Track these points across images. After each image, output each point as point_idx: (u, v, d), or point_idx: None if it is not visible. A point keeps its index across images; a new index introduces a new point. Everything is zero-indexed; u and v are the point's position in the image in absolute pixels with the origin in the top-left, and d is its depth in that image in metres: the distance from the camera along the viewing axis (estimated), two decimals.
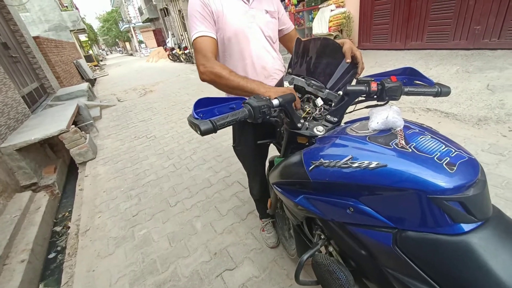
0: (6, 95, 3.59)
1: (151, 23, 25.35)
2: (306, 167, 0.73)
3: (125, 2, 30.52)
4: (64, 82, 7.69)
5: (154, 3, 18.09)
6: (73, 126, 3.45)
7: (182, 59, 13.24)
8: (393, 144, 0.61)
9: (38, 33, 12.68)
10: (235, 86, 0.93)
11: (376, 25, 4.79)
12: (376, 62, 4.60)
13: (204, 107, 0.77)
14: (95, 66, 18.00)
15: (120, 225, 2.11)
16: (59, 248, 2.33)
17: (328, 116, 0.90)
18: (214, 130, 0.67)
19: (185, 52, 12.54)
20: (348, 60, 0.98)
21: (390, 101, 0.84)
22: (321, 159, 0.69)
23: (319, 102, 1.02)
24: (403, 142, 0.61)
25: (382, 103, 0.87)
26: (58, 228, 2.62)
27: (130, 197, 2.48)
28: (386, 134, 0.65)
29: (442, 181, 0.51)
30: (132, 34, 32.31)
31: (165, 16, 18.32)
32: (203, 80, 0.99)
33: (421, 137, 0.62)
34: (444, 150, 0.58)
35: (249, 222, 1.88)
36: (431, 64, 3.84)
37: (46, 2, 14.57)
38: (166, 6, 16.58)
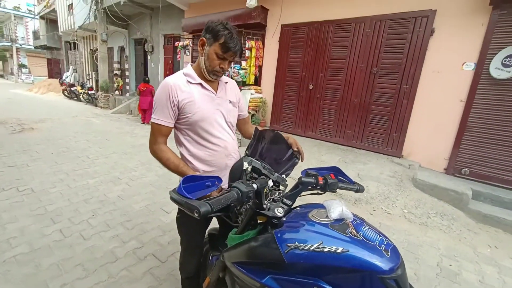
0: None
1: (46, 51, 21.86)
2: (281, 249, 0.81)
3: (14, 19, 25.74)
4: None
5: (60, 34, 16.17)
6: None
7: (82, 98, 11.62)
8: (348, 232, 0.80)
9: None
10: (172, 170, 1.17)
11: (284, 113, 5.97)
12: None
13: (187, 182, 0.80)
14: None
15: None
16: None
17: (285, 199, 1.07)
18: (211, 212, 0.69)
19: (89, 92, 11.18)
20: (295, 149, 1.27)
21: (331, 193, 1.10)
22: (296, 243, 0.79)
23: (270, 183, 1.20)
24: (354, 231, 0.81)
25: (322, 192, 1.13)
26: None
27: None
28: (340, 223, 0.85)
29: (385, 264, 0.72)
30: (12, 54, 26.38)
31: (70, 49, 16.44)
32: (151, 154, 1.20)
33: (363, 227, 0.84)
34: (379, 238, 0.81)
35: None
36: (322, 151, 4.97)
37: None
38: (75, 41, 15.08)
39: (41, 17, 18.45)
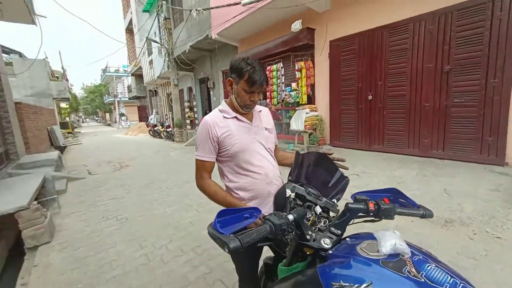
0: None
1: (137, 100, 27.01)
2: None
3: (115, 80, 33.03)
4: (31, 148, 7.26)
5: (145, 85, 19.84)
6: (35, 202, 3.10)
7: (163, 136, 13.66)
8: (406, 271, 0.68)
9: (18, 97, 12.69)
10: (220, 203, 1.21)
11: (344, 129, 5.65)
12: (346, 159, 5.16)
13: (222, 216, 0.83)
14: (68, 133, 17.61)
15: None
16: None
17: (332, 229, 0.99)
18: (241, 247, 0.71)
19: (167, 130, 13.09)
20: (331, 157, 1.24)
21: (388, 221, 0.97)
22: (341, 281, 0.72)
23: (318, 209, 1.14)
24: (414, 270, 0.69)
25: (377, 219, 1.00)
26: None
27: None
28: (395, 259, 0.73)
29: None
30: (115, 107, 33.60)
31: (153, 96, 19.86)
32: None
33: (427, 265, 0.71)
34: (451, 281, 0.66)
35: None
36: (394, 166, 4.42)
37: (37, 71, 15.12)
38: (155, 89, 18.21)
39: (132, 74, 23.17)
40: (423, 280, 0.66)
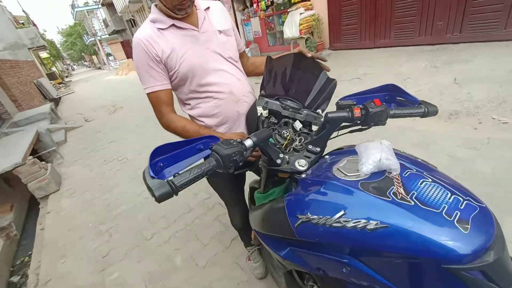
0: None
1: (118, 35, 24.44)
2: (291, 222, 0.59)
3: (88, 15, 29.21)
4: (23, 105, 7.07)
5: (119, 15, 17.45)
6: (31, 157, 3.09)
7: None
8: (391, 194, 0.49)
9: None
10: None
11: (345, 25, 4.85)
12: (348, 62, 4.64)
13: (164, 154, 0.62)
14: (59, 83, 16.90)
15: (88, 269, 1.86)
16: None
17: (310, 146, 0.79)
18: (173, 193, 0.53)
19: None
20: (308, 55, 0.95)
21: (386, 128, 0.74)
22: (308, 213, 0.55)
23: (298, 125, 0.94)
24: (402, 190, 0.49)
25: (365, 127, 0.78)
26: (15, 279, 2.29)
27: (100, 233, 2.22)
28: (380, 178, 0.53)
29: (457, 247, 0.40)
30: (98, 47, 30.90)
31: (133, 26, 17.72)
32: None
33: (421, 181, 0.50)
34: (451, 199, 0.46)
35: (234, 250, 1.72)
36: (401, 60, 3.91)
37: None
38: (132, 17, 16.04)
39: (102, 4, 20.15)
40: (413, 203, 0.46)
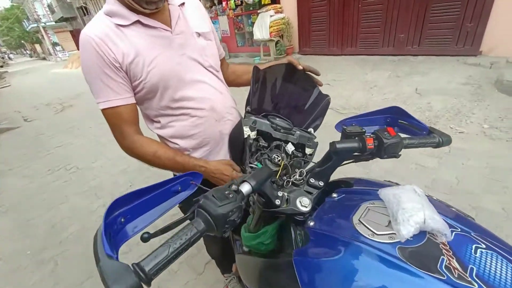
0: None
1: (67, 23, 21.91)
2: None
3: None
4: None
5: (68, 0, 15.64)
6: None
7: None
8: (443, 268, 0.37)
9: None
10: (168, 167, 0.81)
11: (314, 31, 4.93)
12: (317, 67, 4.70)
13: (126, 205, 0.46)
14: None
15: None
16: None
17: (312, 180, 0.66)
18: (145, 284, 0.34)
19: None
20: (300, 68, 0.84)
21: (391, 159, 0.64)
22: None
23: (290, 148, 0.81)
24: (456, 264, 0.38)
25: (371, 157, 0.68)
26: None
27: (42, 262, 1.84)
28: (421, 242, 0.42)
29: None
30: (43, 35, 27.32)
31: (85, 15, 16.01)
32: None
33: (474, 248, 0.40)
34: None
35: (208, 276, 1.54)
36: (366, 69, 4.09)
37: None
38: (84, 4, 14.49)
39: None
40: (476, 285, 0.35)
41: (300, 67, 0.83)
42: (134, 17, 0.69)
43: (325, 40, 4.82)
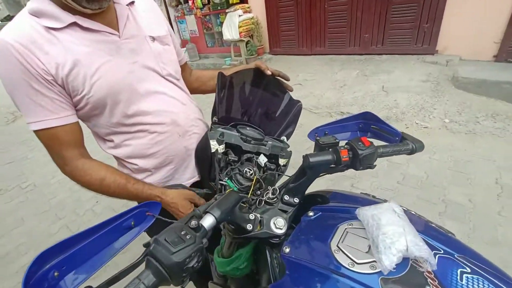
0: None
1: None
2: None
3: None
4: None
5: None
6: None
7: None
8: None
9: None
10: (120, 195, 0.71)
11: (283, 31, 4.96)
12: (289, 67, 4.75)
13: (62, 253, 0.39)
14: None
15: None
16: None
17: (286, 197, 0.63)
18: None
19: None
20: (268, 72, 0.79)
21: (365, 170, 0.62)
22: None
23: (263, 160, 0.77)
24: None
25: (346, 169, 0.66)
26: None
27: None
28: (404, 271, 0.39)
29: None
30: None
31: None
32: None
33: (459, 272, 0.38)
34: None
35: None
36: (335, 68, 4.20)
37: None
38: None
39: None
40: None
41: (269, 72, 0.79)
42: (70, 18, 0.58)
43: (295, 40, 4.88)
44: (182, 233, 0.38)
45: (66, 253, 0.38)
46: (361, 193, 0.69)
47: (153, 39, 0.72)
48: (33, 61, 0.55)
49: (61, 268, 0.37)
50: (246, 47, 5.08)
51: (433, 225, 0.52)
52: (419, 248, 0.39)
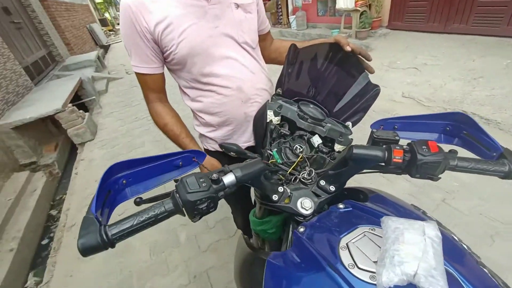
0: (5, 66, 3.44)
1: None
2: None
3: None
4: (75, 49, 7.48)
5: None
6: (70, 105, 3.29)
7: None
8: None
9: None
10: (175, 142, 0.87)
11: (412, 1, 4.08)
12: (406, 47, 3.99)
13: (127, 169, 0.51)
14: (110, 31, 17.56)
15: None
16: (52, 235, 2.30)
17: (322, 182, 0.63)
18: (104, 247, 0.39)
19: None
20: (348, 49, 0.72)
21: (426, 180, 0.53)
22: None
23: (317, 140, 0.74)
24: None
25: (400, 172, 0.57)
26: (54, 212, 2.59)
27: None
28: None
29: None
30: None
31: None
32: None
33: None
34: None
35: (236, 240, 1.70)
36: (475, 54, 3.24)
37: None
38: None
39: None
40: None
41: (349, 48, 0.72)
42: None
43: (425, 13, 3.95)
44: (201, 180, 0.44)
45: (133, 169, 0.52)
46: (411, 204, 0.62)
47: (237, 6, 0.77)
48: (140, 20, 0.69)
49: (128, 179, 0.51)
50: (360, 18, 4.51)
51: (485, 270, 0.43)
52: (431, 281, 0.33)
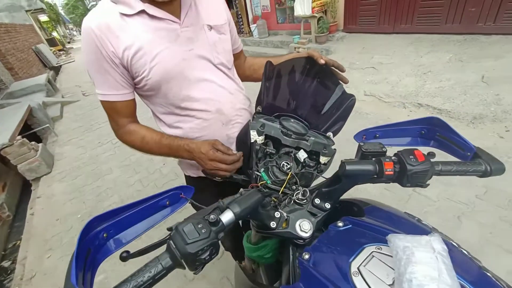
0: None
1: None
2: None
3: None
4: (20, 74, 6.81)
5: None
6: (20, 137, 2.94)
7: None
8: None
9: None
10: (156, 152, 0.78)
11: (363, 5, 4.38)
12: (363, 48, 4.26)
13: (108, 221, 0.46)
14: (59, 50, 16.34)
15: None
16: None
17: (317, 200, 0.60)
18: None
19: None
20: (322, 62, 0.73)
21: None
22: None
23: (302, 155, 0.73)
24: None
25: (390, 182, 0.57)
26: (6, 264, 2.25)
27: None
28: None
29: None
30: None
31: None
32: None
33: None
34: None
35: (224, 262, 1.61)
36: (422, 50, 3.55)
37: None
38: None
39: None
40: None
41: (322, 61, 0.73)
42: (140, 5, 0.64)
43: (375, 16, 4.27)
44: (199, 226, 0.40)
45: (113, 220, 0.46)
46: (405, 212, 0.61)
47: (210, 27, 0.75)
48: (106, 44, 0.64)
49: (109, 230, 0.45)
50: (318, 23, 4.73)
51: (488, 274, 0.43)
52: None
